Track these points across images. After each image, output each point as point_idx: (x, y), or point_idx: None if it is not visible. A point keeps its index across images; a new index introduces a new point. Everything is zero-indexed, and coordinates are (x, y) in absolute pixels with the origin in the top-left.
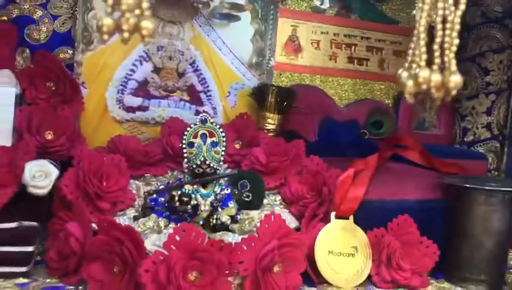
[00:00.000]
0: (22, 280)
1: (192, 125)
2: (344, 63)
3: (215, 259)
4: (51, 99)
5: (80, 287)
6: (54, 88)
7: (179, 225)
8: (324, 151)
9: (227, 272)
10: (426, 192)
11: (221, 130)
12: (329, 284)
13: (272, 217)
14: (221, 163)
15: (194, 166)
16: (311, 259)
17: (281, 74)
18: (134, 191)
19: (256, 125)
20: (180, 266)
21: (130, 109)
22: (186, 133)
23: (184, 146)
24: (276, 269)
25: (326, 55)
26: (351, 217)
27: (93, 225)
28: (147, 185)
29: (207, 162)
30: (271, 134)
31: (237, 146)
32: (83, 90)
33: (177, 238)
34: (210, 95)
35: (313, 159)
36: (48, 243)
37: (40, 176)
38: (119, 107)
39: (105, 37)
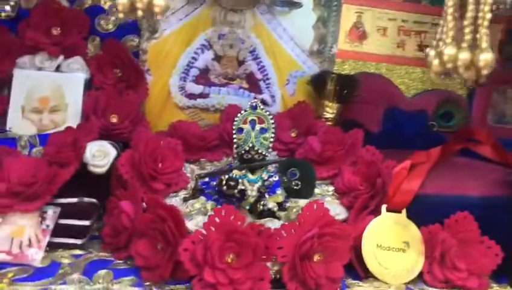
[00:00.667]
0: (77, 252)
1: (242, 112)
2: (413, 51)
3: (252, 242)
4: (117, 85)
5: (129, 262)
6: (120, 74)
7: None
8: (388, 143)
9: (264, 257)
10: (492, 188)
11: (270, 116)
12: (376, 279)
13: (315, 205)
14: (269, 150)
15: (243, 152)
16: (358, 252)
17: (343, 62)
18: (188, 174)
19: (314, 114)
20: (217, 246)
21: (191, 96)
22: (236, 119)
23: (234, 132)
24: (316, 258)
25: (394, 42)
26: (404, 211)
27: (144, 204)
28: (201, 169)
29: (255, 149)
30: (329, 123)
31: (293, 134)
32: (147, 77)
33: (217, 219)
34: (269, 83)
35: (368, 149)
36: (105, 219)
37: (100, 155)
38: (182, 94)
39: (121, 15)
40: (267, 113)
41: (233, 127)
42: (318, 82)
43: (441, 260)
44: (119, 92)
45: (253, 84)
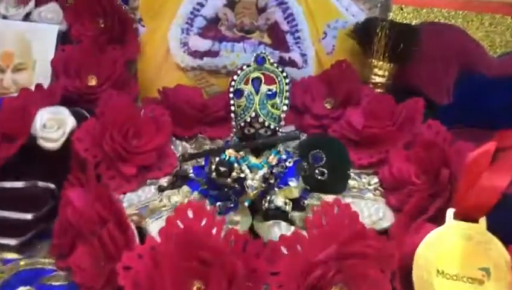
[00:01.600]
0: (10, 255)
1: (244, 67)
2: None
3: (227, 263)
4: (99, 38)
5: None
6: (102, 25)
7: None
8: (462, 120)
9: (249, 284)
10: None
11: (284, 74)
12: None
13: (335, 206)
14: (281, 122)
15: (242, 124)
16: (407, 280)
17: (402, 9)
18: (179, 157)
19: (359, 77)
20: (171, 266)
21: (196, 54)
22: (235, 76)
23: (231, 95)
24: None
25: None
26: (483, 220)
27: None
28: (197, 149)
29: (259, 120)
30: (379, 90)
31: (328, 105)
32: (140, 29)
33: (179, 223)
34: (299, 37)
35: (431, 126)
36: (59, 212)
37: (52, 126)
38: (184, 51)
39: None
40: (280, 69)
41: (230, 90)
42: (364, 33)
43: None
44: (101, 48)
45: (278, 39)
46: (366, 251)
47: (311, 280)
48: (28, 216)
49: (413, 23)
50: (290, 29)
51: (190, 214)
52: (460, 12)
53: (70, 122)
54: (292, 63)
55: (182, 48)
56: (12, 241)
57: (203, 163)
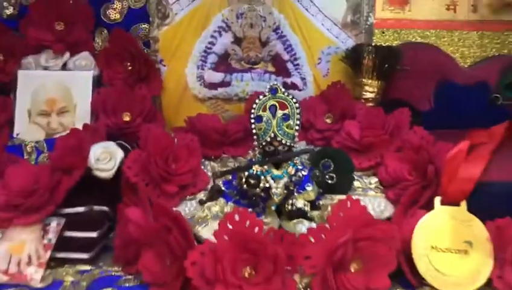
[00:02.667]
0: (84, 267)
1: (260, 97)
2: (467, 13)
3: (271, 252)
4: (128, 79)
5: (139, 278)
6: (130, 68)
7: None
8: (442, 124)
9: (288, 268)
10: None
11: (294, 100)
12: (433, 288)
13: (348, 202)
14: (295, 139)
15: (264, 143)
16: (408, 256)
17: (384, 32)
18: (209, 174)
19: (351, 95)
20: (229, 258)
21: (211, 86)
22: (254, 105)
23: (252, 121)
24: (353, 267)
25: (443, 4)
26: (463, 204)
27: None
28: (223, 167)
29: (278, 139)
30: (370, 104)
31: (328, 120)
32: (161, 68)
33: (229, 226)
34: (298, 64)
35: (416, 131)
36: (117, 229)
37: (105, 158)
38: (200, 84)
39: None
40: (290, 96)
41: (251, 116)
42: (354, 57)
43: None
44: (130, 87)
45: (280, 67)
46: (375, 234)
47: (335, 260)
48: (94, 234)
49: (394, 44)
50: (290, 58)
51: (237, 218)
52: (433, 31)
53: (120, 154)
54: (294, 86)
55: (198, 82)
56: (85, 255)
57: (230, 178)
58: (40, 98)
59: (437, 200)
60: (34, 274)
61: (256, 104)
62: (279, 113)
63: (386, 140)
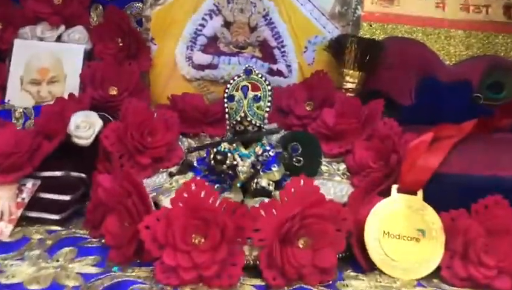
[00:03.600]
0: (54, 228)
1: (235, 77)
2: (455, 11)
3: (220, 221)
4: (118, 54)
5: (103, 241)
6: (121, 44)
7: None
8: (423, 119)
9: (238, 239)
10: None
11: (267, 82)
12: (382, 273)
13: (301, 181)
14: (265, 120)
15: (234, 122)
16: (361, 240)
17: (371, 25)
18: (185, 150)
19: (333, 84)
20: (180, 224)
21: (199, 67)
22: (228, 85)
23: (225, 100)
24: (301, 243)
25: (432, 2)
26: (420, 193)
27: None
28: (200, 145)
29: (248, 119)
30: (350, 94)
31: (308, 108)
32: (152, 47)
33: (185, 194)
34: (284, 51)
35: (386, 122)
36: (91, 194)
37: (85, 127)
38: (189, 65)
39: None
40: (263, 78)
41: (225, 95)
42: (337, 47)
43: (464, 253)
44: (120, 63)
45: (267, 53)
46: (323, 213)
47: (282, 234)
48: (67, 197)
49: (380, 38)
50: (277, 44)
51: (193, 187)
52: (420, 28)
53: (99, 123)
54: (279, 73)
55: (187, 62)
56: (55, 217)
57: (204, 155)
58: (33, 66)
59: (394, 187)
60: (4, 229)
61: (231, 84)
62: (251, 94)
63: (357, 129)
